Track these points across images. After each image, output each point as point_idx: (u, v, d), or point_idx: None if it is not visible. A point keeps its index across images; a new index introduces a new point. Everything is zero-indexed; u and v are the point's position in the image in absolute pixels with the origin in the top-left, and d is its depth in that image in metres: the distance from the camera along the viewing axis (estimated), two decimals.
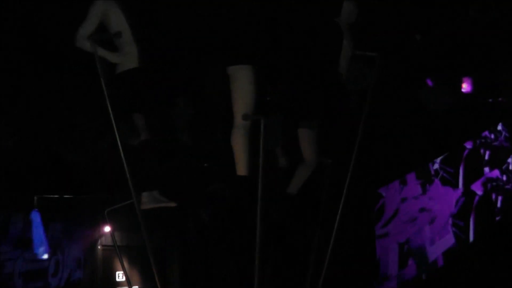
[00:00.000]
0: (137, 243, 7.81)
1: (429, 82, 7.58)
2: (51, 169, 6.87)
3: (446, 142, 8.26)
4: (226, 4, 4.33)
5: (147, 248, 4.09)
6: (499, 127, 8.75)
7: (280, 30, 4.79)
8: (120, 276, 8.84)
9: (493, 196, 8.77)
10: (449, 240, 8.50)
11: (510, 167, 8.61)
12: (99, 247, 8.83)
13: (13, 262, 7.66)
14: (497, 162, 8.75)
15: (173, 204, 4.52)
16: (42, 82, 5.86)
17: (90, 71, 4.19)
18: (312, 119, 4.72)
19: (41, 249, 7.85)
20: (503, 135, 8.79)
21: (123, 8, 4.15)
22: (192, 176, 6.49)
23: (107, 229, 7.93)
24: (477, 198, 8.63)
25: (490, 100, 7.99)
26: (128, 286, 6.39)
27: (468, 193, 8.63)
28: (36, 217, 7.73)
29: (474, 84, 7.66)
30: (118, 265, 7.73)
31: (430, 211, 8.55)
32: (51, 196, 7.58)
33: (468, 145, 8.68)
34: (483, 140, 8.80)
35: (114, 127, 3.96)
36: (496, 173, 8.81)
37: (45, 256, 7.92)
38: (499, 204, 8.70)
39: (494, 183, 8.80)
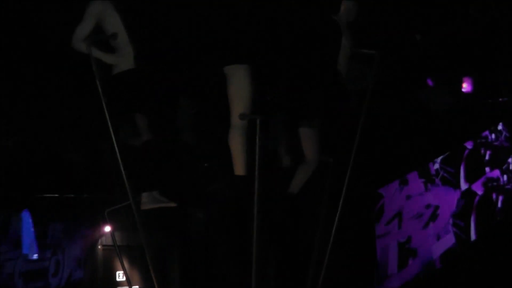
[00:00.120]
0: (137, 243, 7.81)
1: (430, 82, 7.58)
2: (51, 169, 6.87)
3: (447, 142, 8.26)
4: (223, 3, 4.33)
5: (145, 248, 4.10)
6: (500, 127, 8.74)
7: (278, 29, 4.78)
8: (120, 276, 8.85)
9: (494, 196, 8.77)
10: (449, 240, 8.50)
11: (511, 167, 8.60)
12: (99, 247, 8.83)
13: (13, 262, 7.67)
14: (497, 162, 8.74)
15: (173, 204, 4.53)
16: (42, 82, 5.86)
17: (91, 70, 4.20)
18: (312, 118, 4.71)
19: (31, 250, 7.73)
20: (503, 135, 8.79)
21: (119, 9, 4.15)
22: (192, 176, 6.49)
23: (107, 229, 7.93)
24: (477, 198, 8.62)
25: (490, 100, 7.99)
26: (128, 286, 6.38)
27: (469, 193, 8.63)
28: (26, 218, 7.63)
29: (474, 84, 7.66)
30: (118, 265, 7.73)
31: (434, 208, 8.54)
32: (51, 196, 7.57)
33: (469, 145, 8.67)
34: (483, 140, 8.79)
35: (110, 127, 3.96)
36: (496, 173, 8.80)
37: (35, 257, 7.83)
38: (499, 204, 8.69)
39: (494, 183, 8.80)
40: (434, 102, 7.38)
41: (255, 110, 4.13)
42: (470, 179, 8.62)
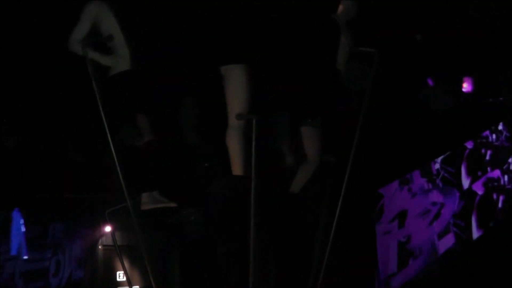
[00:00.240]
0: (137, 243, 7.80)
1: (430, 82, 7.58)
2: (52, 169, 6.87)
3: (447, 142, 8.26)
4: (220, 3, 4.33)
5: (141, 248, 4.10)
6: (500, 127, 8.75)
7: (276, 28, 4.78)
8: (120, 276, 8.85)
9: (494, 196, 8.77)
10: (450, 240, 8.50)
11: (511, 167, 8.61)
12: (99, 247, 8.83)
13: (13, 262, 7.66)
14: (498, 162, 8.75)
15: (173, 205, 4.53)
16: (43, 82, 5.86)
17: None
18: (313, 118, 4.71)
19: (20, 251, 7.58)
20: (504, 135, 8.79)
21: (115, 11, 4.15)
22: (192, 176, 6.49)
23: (107, 229, 7.93)
24: (478, 198, 8.63)
25: (491, 99, 7.99)
26: (128, 286, 6.39)
27: (469, 193, 8.63)
28: (17, 217, 7.51)
29: (475, 84, 7.65)
30: (119, 265, 7.73)
31: (440, 206, 8.52)
32: (51, 196, 7.57)
33: (469, 145, 8.68)
34: (484, 140, 8.79)
35: (107, 128, 3.97)
36: (497, 173, 8.81)
37: (25, 257, 7.75)
38: (500, 204, 8.70)
39: (495, 183, 8.80)
40: (434, 102, 7.38)
41: (253, 110, 4.13)
42: (470, 179, 8.62)
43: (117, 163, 3.95)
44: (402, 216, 8.55)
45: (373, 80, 4.39)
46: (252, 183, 3.80)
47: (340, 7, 4.58)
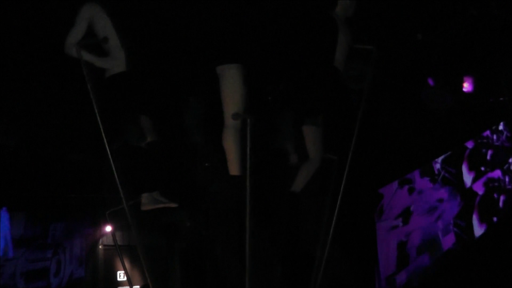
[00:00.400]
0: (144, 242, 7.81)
1: (430, 82, 7.57)
2: (52, 168, 6.88)
3: (447, 142, 8.25)
4: (216, 2, 4.31)
5: (138, 249, 4.10)
6: (501, 127, 8.74)
7: (273, 26, 4.77)
8: (121, 276, 8.87)
9: (495, 196, 8.77)
10: (450, 240, 8.50)
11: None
12: (100, 246, 8.85)
13: (14, 261, 7.67)
14: (498, 162, 8.74)
15: (173, 205, 4.52)
16: (44, 82, 5.87)
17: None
18: (316, 116, 4.70)
19: (5, 251, 7.55)
20: (504, 135, 8.79)
21: (110, 13, 4.15)
22: (192, 176, 6.49)
23: (108, 229, 7.94)
24: (478, 198, 8.62)
25: (491, 99, 7.98)
26: (129, 285, 6.39)
27: (470, 193, 8.63)
28: (4, 217, 7.47)
29: (475, 84, 7.65)
30: (119, 264, 7.75)
31: (440, 205, 8.52)
32: (52, 196, 7.58)
33: (470, 145, 8.67)
34: (484, 140, 8.79)
35: (102, 130, 3.97)
36: (497, 173, 8.80)
37: (10, 255, 7.66)
38: (500, 204, 8.69)
39: (495, 183, 8.80)
40: (434, 102, 7.37)
41: (249, 110, 4.12)
42: (471, 179, 8.62)
43: (112, 164, 3.96)
44: (403, 216, 8.56)
45: (372, 77, 4.37)
46: (247, 182, 3.80)
47: (339, 4, 4.55)
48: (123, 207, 4.12)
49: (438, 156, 8.51)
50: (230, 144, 4.22)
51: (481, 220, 8.53)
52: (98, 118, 3.96)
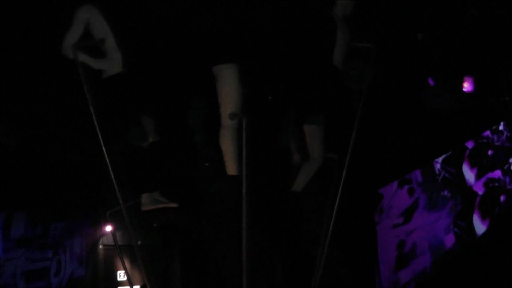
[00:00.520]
0: (141, 242, 7.82)
1: (431, 82, 7.57)
2: (52, 168, 6.88)
3: (448, 142, 8.25)
4: (213, 2, 4.31)
5: (135, 249, 4.12)
6: (501, 127, 8.74)
7: (270, 25, 4.76)
8: (121, 276, 8.87)
9: (495, 196, 8.77)
10: (450, 240, 8.50)
11: None
12: (100, 246, 8.85)
13: (15, 261, 7.68)
14: (498, 162, 8.74)
15: (173, 205, 4.53)
16: (44, 82, 5.87)
17: (93, 70, 4.22)
18: (317, 115, 4.69)
19: None
20: (504, 135, 8.79)
21: (106, 14, 4.16)
22: (193, 176, 6.49)
23: (108, 228, 7.94)
24: (478, 198, 8.62)
25: (492, 99, 7.99)
26: (129, 285, 6.39)
27: (470, 193, 8.63)
28: None
29: (476, 84, 7.65)
30: (120, 264, 7.75)
31: (442, 204, 8.51)
32: (52, 195, 7.58)
33: (470, 145, 8.67)
34: (484, 140, 8.79)
35: (99, 131, 3.99)
36: (498, 173, 8.80)
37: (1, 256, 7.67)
38: (500, 205, 8.70)
39: (496, 183, 8.80)
40: (435, 102, 7.37)
41: (246, 110, 4.12)
42: (471, 180, 8.62)
43: (109, 164, 3.97)
44: (403, 216, 8.56)
45: (371, 77, 4.38)
46: (244, 182, 3.80)
47: (337, 3, 4.55)
48: (123, 207, 4.14)
49: (438, 156, 8.51)
50: (227, 144, 4.24)
51: (483, 219, 8.53)
52: (95, 119, 3.97)
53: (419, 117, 7.52)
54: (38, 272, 8.04)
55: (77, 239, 8.59)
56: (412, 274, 8.54)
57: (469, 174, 8.63)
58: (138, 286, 8.52)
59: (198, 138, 5.78)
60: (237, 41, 4.21)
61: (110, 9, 4.19)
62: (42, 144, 6.57)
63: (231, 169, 4.27)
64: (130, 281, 6.19)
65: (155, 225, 7.65)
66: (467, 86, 7.64)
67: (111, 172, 3.99)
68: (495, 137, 8.77)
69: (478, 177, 8.66)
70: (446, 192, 8.60)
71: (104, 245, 8.83)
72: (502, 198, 8.72)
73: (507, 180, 8.76)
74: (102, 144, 3.99)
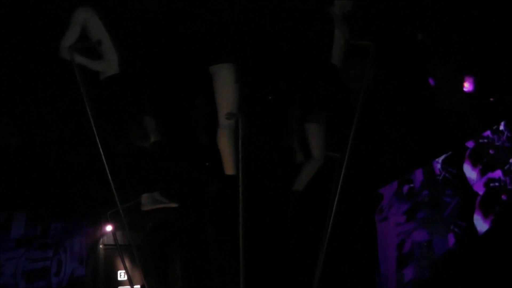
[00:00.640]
0: (138, 243, 7.83)
1: (431, 82, 7.57)
2: (53, 168, 6.88)
3: (448, 142, 8.25)
4: (210, 2, 4.31)
5: (133, 249, 4.13)
6: (501, 127, 8.72)
7: (268, 23, 4.77)
8: (122, 275, 8.87)
9: (495, 196, 8.75)
10: (450, 240, 8.49)
11: None
12: (100, 246, 8.86)
13: (15, 261, 7.68)
14: (499, 162, 8.72)
15: (174, 205, 4.54)
16: (44, 82, 5.87)
17: (93, 71, 4.23)
18: (318, 114, 4.70)
19: None
20: (505, 135, 8.77)
21: (102, 16, 4.17)
22: (193, 176, 6.50)
23: (108, 228, 7.94)
24: (479, 198, 8.60)
25: (492, 99, 7.98)
26: (130, 285, 6.40)
27: (470, 193, 8.61)
28: None
29: (476, 83, 7.64)
30: (120, 264, 7.76)
31: (446, 203, 8.49)
32: (52, 195, 7.58)
33: (470, 145, 8.66)
34: (485, 140, 8.77)
35: (95, 132, 4.00)
36: (498, 173, 8.79)
37: None
38: (501, 205, 8.68)
39: (496, 183, 8.78)
40: (435, 101, 7.37)
41: (243, 109, 4.13)
42: (471, 180, 8.61)
43: (105, 164, 3.99)
44: (403, 216, 8.56)
45: (371, 76, 4.37)
46: (240, 181, 3.81)
47: (336, 2, 4.55)
48: (124, 207, 4.15)
49: (438, 156, 8.50)
50: (225, 144, 4.25)
51: (483, 219, 8.52)
52: (91, 120, 3.99)
53: (419, 117, 7.52)
54: (39, 272, 8.05)
55: (77, 239, 8.59)
56: (412, 274, 8.54)
57: (469, 174, 8.62)
58: (139, 286, 8.52)
59: (202, 138, 5.80)
60: (236, 41, 4.22)
61: (110, 9, 4.20)
62: (42, 144, 6.57)
63: (229, 168, 4.28)
64: (130, 281, 6.20)
65: (147, 227, 7.65)
66: (467, 86, 7.63)
67: (108, 172, 3.99)
68: (496, 137, 8.76)
69: (478, 177, 8.65)
70: (446, 192, 8.59)
71: (105, 245, 8.83)
72: (502, 198, 8.70)
73: (508, 180, 8.75)
74: (99, 145, 4.00)
